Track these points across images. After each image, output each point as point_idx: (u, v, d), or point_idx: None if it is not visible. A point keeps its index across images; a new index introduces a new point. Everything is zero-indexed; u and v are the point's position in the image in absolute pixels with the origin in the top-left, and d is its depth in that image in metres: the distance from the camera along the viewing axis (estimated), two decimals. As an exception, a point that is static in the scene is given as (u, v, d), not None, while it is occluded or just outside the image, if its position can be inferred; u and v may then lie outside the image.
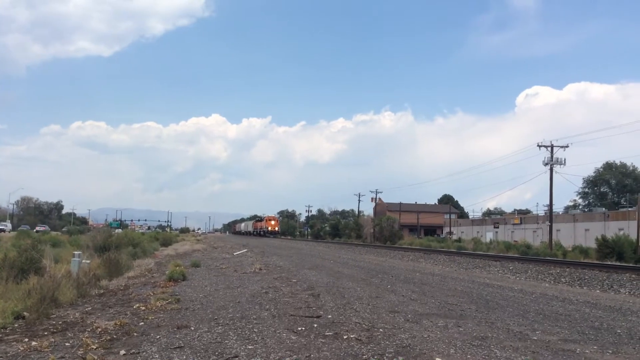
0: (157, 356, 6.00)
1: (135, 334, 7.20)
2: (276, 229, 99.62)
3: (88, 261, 15.24)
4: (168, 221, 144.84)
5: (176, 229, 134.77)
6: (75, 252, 15.06)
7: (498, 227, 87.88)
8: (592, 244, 42.35)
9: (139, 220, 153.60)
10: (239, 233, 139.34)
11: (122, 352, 6.22)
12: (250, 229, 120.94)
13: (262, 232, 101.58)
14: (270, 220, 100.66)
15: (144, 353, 6.14)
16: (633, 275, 17.45)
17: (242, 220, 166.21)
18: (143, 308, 9.30)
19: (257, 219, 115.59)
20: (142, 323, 7.96)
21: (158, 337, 6.97)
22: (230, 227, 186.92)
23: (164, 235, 56.37)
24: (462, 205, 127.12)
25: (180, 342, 6.67)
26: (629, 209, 64.53)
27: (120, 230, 56.42)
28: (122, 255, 18.46)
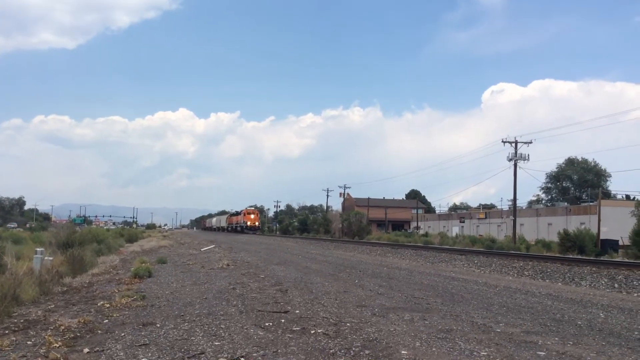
0: (121, 354, 5.91)
1: (99, 331, 7.08)
2: (256, 223, 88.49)
3: (51, 258, 14.93)
4: (134, 217, 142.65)
5: (142, 225, 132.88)
6: (38, 249, 14.74)
7: (464, 222, 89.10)
8: (555, 238, 43.30)
9: (103, 216, 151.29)
10: (210, 229, 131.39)
11: (86, 349, 6.12)
12: (223, 224, 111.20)
13: (238, 228, 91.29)
14: (249, 213, 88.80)
15: (109, 351, 6.05)
16: (593, 269, 17.91)
17: (213, 215, 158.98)
18: (107, 305, 9.15)
19: (232, 213, 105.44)
20: (107, 320, 7.84)
21: (123, 334, 6.88)
22: (199, 223, 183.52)
23: (129, 231, 55.48)
24: (429, 200, 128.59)
25: (146, 339, 6.59)
26: (590, 203, 66.18)
27: (84, 226, 55.39)
28: (86, 252, 18.12)
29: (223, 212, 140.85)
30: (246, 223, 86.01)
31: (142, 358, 5.74)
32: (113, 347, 6.19)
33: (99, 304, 9.32)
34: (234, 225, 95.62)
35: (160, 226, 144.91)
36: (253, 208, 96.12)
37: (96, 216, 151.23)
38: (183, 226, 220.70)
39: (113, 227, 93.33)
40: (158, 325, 7.47)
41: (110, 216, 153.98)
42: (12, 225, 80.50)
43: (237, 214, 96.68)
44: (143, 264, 15.39)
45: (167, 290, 11.39)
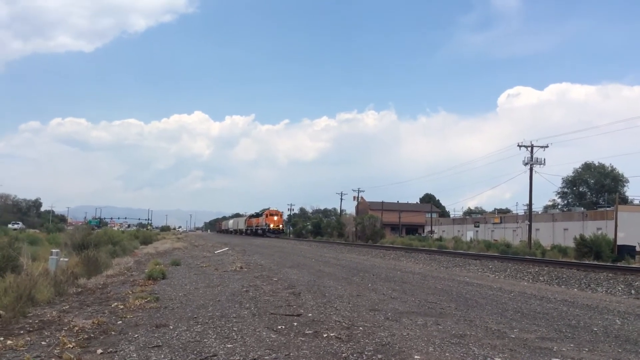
0: (134, 355, 5.94)
1: (113, 332, 7.12)
2: (280, 226, 79.67)
3: (66, 259, 15.06)
4: (148, 219, 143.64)
5: (157, 227, 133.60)
6: (53, 250, 14.87)
7: (478, 226, 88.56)
8: (571, 243, 42.86)
9: (119, 218, 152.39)
10: (225, 232, 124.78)
11: (100, 350, 6.15)
12: (241, 226, 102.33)
13: (259, 231, 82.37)
14: (272, 215, 79.43)
15: (122, 352, 6.08)
16: (610, 274, 17.70)
17: (230, 217, 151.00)
18: (121, 307, 9.20)
19: (251, 214, 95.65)
20: (120, 322, 7.88)
21: (136, 336, 6.91)
22: (214, 226, 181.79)
23: (144, 233, 55.84)
24: (443, 204, 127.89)
25: (159, 341, 6.61)
26: (607, 208, 65.46)
27: (99, 228, 55.86)
28: (101, 253, 18.25)
29: (237, 215, 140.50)
30: (268, 225, 77.36)
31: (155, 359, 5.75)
32: (126, 349, 6.21)
33: (113, 305, 9.38)
34: (254, 228, 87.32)
35: (174, 228, 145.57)
36: (276, 209, 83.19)
37: (111, 218, 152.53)
38: (197, 229, 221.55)
39: (128, 229, 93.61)
40: (171, 327, 7.50)
41: (126, 218, 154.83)
42: (16, 226, 72.91)
43: (258, 215, 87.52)
44: (157, 266, 15.47)
45: (181, 292, 11.43)
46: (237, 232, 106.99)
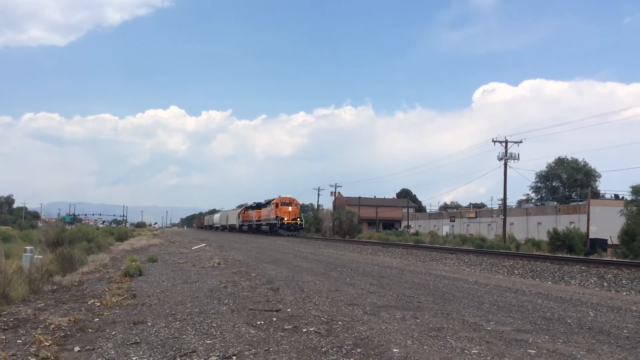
0: (112, 352, 5.89)
1: (90, 330, 7.05)
2: (297, 219, 56.93)
3: (40, 256, 14.82)
4: (123, 215, 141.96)
5: (132, 224, 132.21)
6: (27, 247, 14.63)
7: (454, 221, 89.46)
8: (544, 237, 43.55)
9: (93, 214, 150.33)
10: (209, 228, 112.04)
11: (77, 348, 6.09)
12: (233, 221, 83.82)
13: (265, 227, 61.61)
14: (285, 204, 57.53)
15: (99, 349, 6.02)
16: (583, 267, 18.04)
17: (215, 211, 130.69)
18: (98, 304, 9.11)
19: (251, 205, 74.01)
20: (97, 319, 7.80)
21: (114, 333, 6.85)
22: (196, 221, 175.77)
23: (119, 229, 55.25)
24: (420, 199, 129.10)
25: (137, 337, 6.56)
26: (580, 203, 66.65)
27: (73, 224, 55.07)
28: (76, 250, 18.01)
29: (214, 211, 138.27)
30: (281, 219, 55.41)
31: (133, 356, 5.72)
32: (104, 346, 6.16)
33: (89, 303, 9.28)
34: (255, 223, 67.28)
35: (150, 225, 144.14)
36: (289, 197, 60.23)
37: (86, 214, 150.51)
38: (173, 225, 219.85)
39: (102, 225, 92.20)
40: (149, 323, 7.45)
41: (100, 214, 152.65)
42: None
43: (260, 206, 66.93)
44: (133, 263, 15.31)
45: (158, 288, 11.35)
46: (225, 228, 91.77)
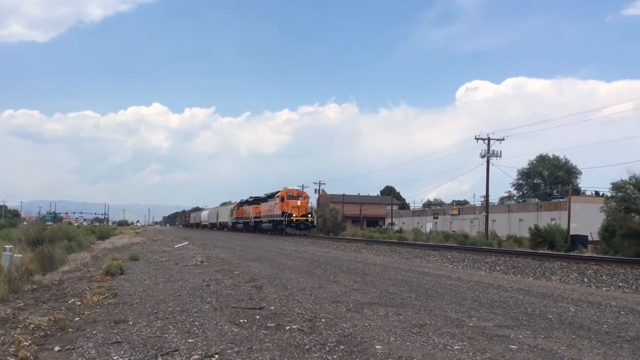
0: (93, 352, 5.82)
1: (70, 329, 6.96)
2: (309, 215, 47.96)
3: (20, 255, 14.64)
4: (105, 214, 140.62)
5: (114, 222, 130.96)
6: (7, 246, 14.43)
7: (437, 218, 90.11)
8: (526, 234, 44.07)
9: (74, 212, 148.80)
10: (196, 226, 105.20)
11: (57, 348, 6.01)
12: (225, 218, 75.95)
13: (266, 224, 53.33)
14: (292, 197, 48.98)
15: (80, 349, 5.95)
16: (564, 264, 18.23)
17: (203, 208, 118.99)
18: (79, 303, 9.00)
19: (248, 200, 65.05)
20: (78, 318, 7.71)
21: (94, 332, 6.77)
22: (179, 219, 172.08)
23: (100, 228, 54.74)
24: (403, 196, 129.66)
25: (118, 337, 6.50)
26: (560, 199, 67.46)
27: (54, 223, 54.41)
28: (57, 249, 17.81)
29: (197, 209, 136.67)
30: (289, 216, 46.46)
31: (115, 356, 5.66)
32: (84, 345, 6.09)
33: (69, 302, 9.17)
34: (253, 220, 58.62)
35: (132, 223, 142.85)
36: (297, 188, 54.93)
37: (67, 213, 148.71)
38: (156, 223, 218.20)
39: (84, 223, 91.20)
40: (130, 322, 7.38)
41: (81, 213, 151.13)
42: None
43: (259, 200, 58.25)
44: (115, 261, 15.16)
45: (140, 287, 11.25)
46: (214, 226, 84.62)
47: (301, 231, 46.70)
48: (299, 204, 48.11)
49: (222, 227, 78.79)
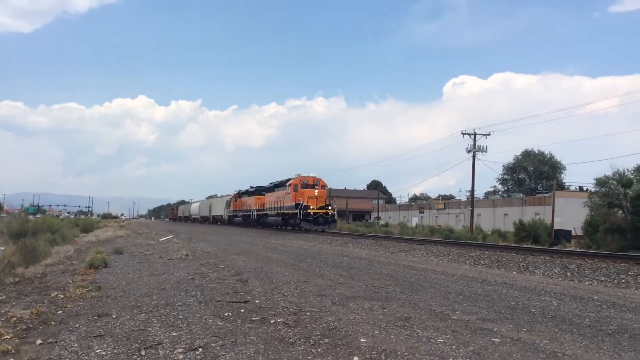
0: (76, 345, 5.77)
1: (53, 322, 6.90)
2: (329, 207, 39.74)
3: (2, 248, 14.48)
4: (89, 207, 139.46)
5: (98, 215, 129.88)
6: (-12, 239, 14.26)
7: (423, 212, 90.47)
8: (511, 228, 44.42)
9: (58, 205, 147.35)
10: (185, 219, 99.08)
11: (39, 341, 5.95)
12: (219, 211, 69.23)
13: (270, 218, 47.06)
14: (309, 186, 40.77)
15: (62, 342, 5.90)
16: (547, 258, 18.40)
17: (193, 201, 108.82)
18: (61, 296, 8.92)
19: (247, 190, 57.94)
20: (61, 311, 7.64)
21: (77, 325, 6.72)
22: (165, 212, 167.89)
23: (84, 221, 54.25)
24: (390, 190, 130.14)
25: (101, 330, 6.45)
26: (545, 194, 68.01)
27: (38, 215, 53.85)
28: (40, 241, 17.62)
29: (182, 202, 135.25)
30: (305, 208, 38.32)
31: (97, 349, 5.61)
32: (67, 339, 6.04)
33: (52, 295, 9.08)
34: (255, 213, 51.77)
35: (116, 216, 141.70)
36: (314, 176, 42.20)
37: (50, 205, 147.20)
38: (141, 216, 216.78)
39: (67, 216, 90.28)
40: (114, 316, 7.32)
41: (65, 205, 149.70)
42: None
43: (263, 190, 51.68)
44: (99, 254, 15.05)
45: (124, 280, 11.17)
46: (206, 220, 78.45)
47: (320, 226, 38.85)
48: (316, 193, 39.80)
49: (215, 221, 72.81)
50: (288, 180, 43.24)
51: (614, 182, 32.03)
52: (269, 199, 48.15)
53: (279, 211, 44.05)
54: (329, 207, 39.74)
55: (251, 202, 53.86)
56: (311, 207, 38.58)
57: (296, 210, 39.10)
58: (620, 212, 31.81)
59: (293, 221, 40.95)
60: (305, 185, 40.68)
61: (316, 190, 40.15)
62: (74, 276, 11.84)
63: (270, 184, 50.16)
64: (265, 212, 48.90)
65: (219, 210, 70.11)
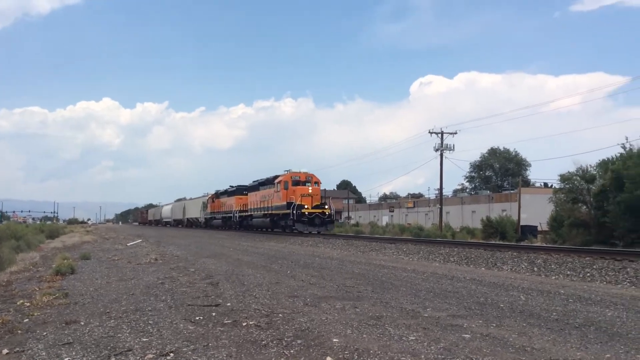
0: (44, 353, 5.65)
1: (19, 331, 6.74)
2: (325, 206, 35.20)
3: (-36, 257, 14.06)
4: (54, 212, 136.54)
5: (64, 220, 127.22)
6: (-51, 248, 13.84)
7: (393, 211, 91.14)
8: (478, 225, 45.01)
9: (22, 211, 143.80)
10: (155, 223, 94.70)
11: (5, 350, 5.81)
12: (195, 213, 64.90)
13: (259, 219, 41.63)
14: (301, 182, 36.35)
15: (29, 351, 5.77)
16: (514, 253, 18.69)
17: (163, 204, 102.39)
18: (28, 304, 8.72)
19: (226, 190, 53.72)
20: (27, 320, 7.47)
21: (45, 333, 6.58)
22: (133, 216, 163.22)
23: (50, 226, 53.09)
24: (359, 190, 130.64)
25: (69, 338, 6.33)
26: (511, 191, 69.21)
27: (2, 222, 52.54)
28: (4, 248, 17.19)
29: (151, 205, 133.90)
30: (299, 208, 34.04)
31: (66, 357, 5.51)
32: (34, 347, 5.91)
33: (18, 303, 8.87)
34: (237, 215, 47.68)
35: (83, 221, 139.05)
36: (305, 171, 38.11)
37: (14, 211, 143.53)
38: (108, 221, 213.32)
39: (32, 222, 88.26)
40: (82, 323, 7.20)
41: (30, 211, 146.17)
42: None
43: (243, 190, 47.75)
44: (65, 261, 14.75)
45: (92, 287, 10.98)
46: (180, 223, 74.23)
47: (316, 228, 34.55)
48: (310, 191, 35.34)
49: (190, 224, 68.44)
50: (276, 177, 38.53)
51: (578, 178, 32.76)
52: (253, 198, 43.75)
53: (266, 212, 39.76)
54: (326, 207, 35.45)
55: (232, 203, 49.59)
56: (305, 207, 34.32)
57: (288, 211, 34.71)
58: (584, 207, 32.54)
59: (284, 222, 36.62)
60: (297, 182, 36.24)
61: (310, 188, 35.77)
62: (41, 283, 11.59)
63: (254, 182, 45.20)
64: (249, 213, 44.69)
65: (195, 212, 65.57)
